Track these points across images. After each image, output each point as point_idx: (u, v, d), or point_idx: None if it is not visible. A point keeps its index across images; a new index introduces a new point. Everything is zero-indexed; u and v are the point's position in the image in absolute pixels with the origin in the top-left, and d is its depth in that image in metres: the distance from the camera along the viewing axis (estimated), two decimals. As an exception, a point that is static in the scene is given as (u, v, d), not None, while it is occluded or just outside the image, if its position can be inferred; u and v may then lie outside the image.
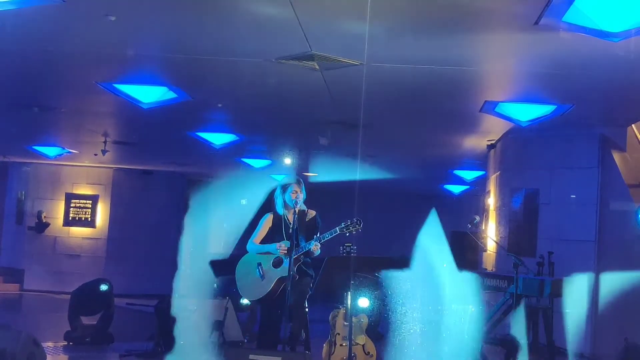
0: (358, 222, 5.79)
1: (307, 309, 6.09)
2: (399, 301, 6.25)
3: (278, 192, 6.10)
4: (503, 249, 8.67)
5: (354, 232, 5.82)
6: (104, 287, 8.66)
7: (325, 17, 5.04)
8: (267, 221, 6.18)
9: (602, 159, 8.69)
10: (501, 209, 9.91)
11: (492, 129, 9.32)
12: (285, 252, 5.84)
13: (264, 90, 7.51)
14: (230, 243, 7.26)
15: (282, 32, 5.40)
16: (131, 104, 7.81)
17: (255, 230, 6.19)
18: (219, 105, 8.48)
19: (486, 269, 10.33)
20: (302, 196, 6.02)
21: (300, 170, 13.17)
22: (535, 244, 8.97)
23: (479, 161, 11.73)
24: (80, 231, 16.04)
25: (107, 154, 11.66)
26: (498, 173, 10.20)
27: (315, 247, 5.84)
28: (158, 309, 7.91)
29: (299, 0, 4.62)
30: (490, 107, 7.60)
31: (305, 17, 4.97)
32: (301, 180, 6.10)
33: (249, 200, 6.99)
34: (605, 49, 5.19)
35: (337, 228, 5.81)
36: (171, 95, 7.66)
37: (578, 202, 8.82)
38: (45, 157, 13.40)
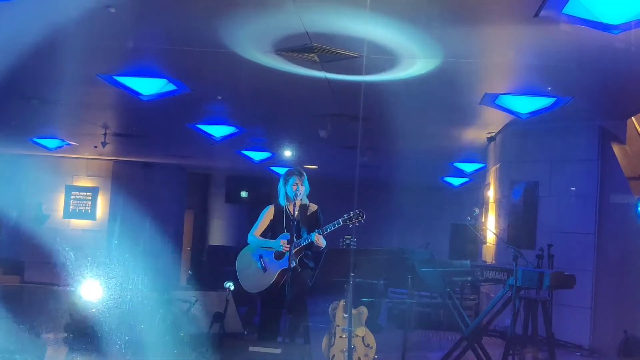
0: (361, 213, 5.74)
1: (307, 301, 6.10)
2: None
3: (280, 183, 6.07)
4: (502, 241, 8.68)
5: (356, 224, 5.79)
6: None
7: (325, 9, 5.03)
8: (268, 213, 6.14)
9: (602, 152, 8.69)
10: (501, 202, 9.91)
11: (492, 122, 9.32)
12: (288, 247, 5.82)
13: (264, 82, 7.50)
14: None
15: (282, 24, 5.39)
16: (131, 96, 7.81)
17: (256, 222, 6.14)
18: (219, 97, 8.47)
19: (485, 261, 10.35)
20: (303, 189, 5.98)
21: (300, 162, 13.17)
22: (535, 237, 8.98)
23: (479, 153, 11.73)
24: (80, 223, 16.04)
25: (107, 146, 11.64)
26: (498, 165, 10.20)
27: (318, 238, 5.79)
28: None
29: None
30: (490, 99, 7.59)
31: (304, 8, 4.97)
32: (303, 173, 6.03)
33: None
34: (605, 41, 5.19)
35: (339, 220, 5.76)
36: (171, 87, 7.66)
37: (578, 194, 8.83)
38: (45, 149, 13.38)
